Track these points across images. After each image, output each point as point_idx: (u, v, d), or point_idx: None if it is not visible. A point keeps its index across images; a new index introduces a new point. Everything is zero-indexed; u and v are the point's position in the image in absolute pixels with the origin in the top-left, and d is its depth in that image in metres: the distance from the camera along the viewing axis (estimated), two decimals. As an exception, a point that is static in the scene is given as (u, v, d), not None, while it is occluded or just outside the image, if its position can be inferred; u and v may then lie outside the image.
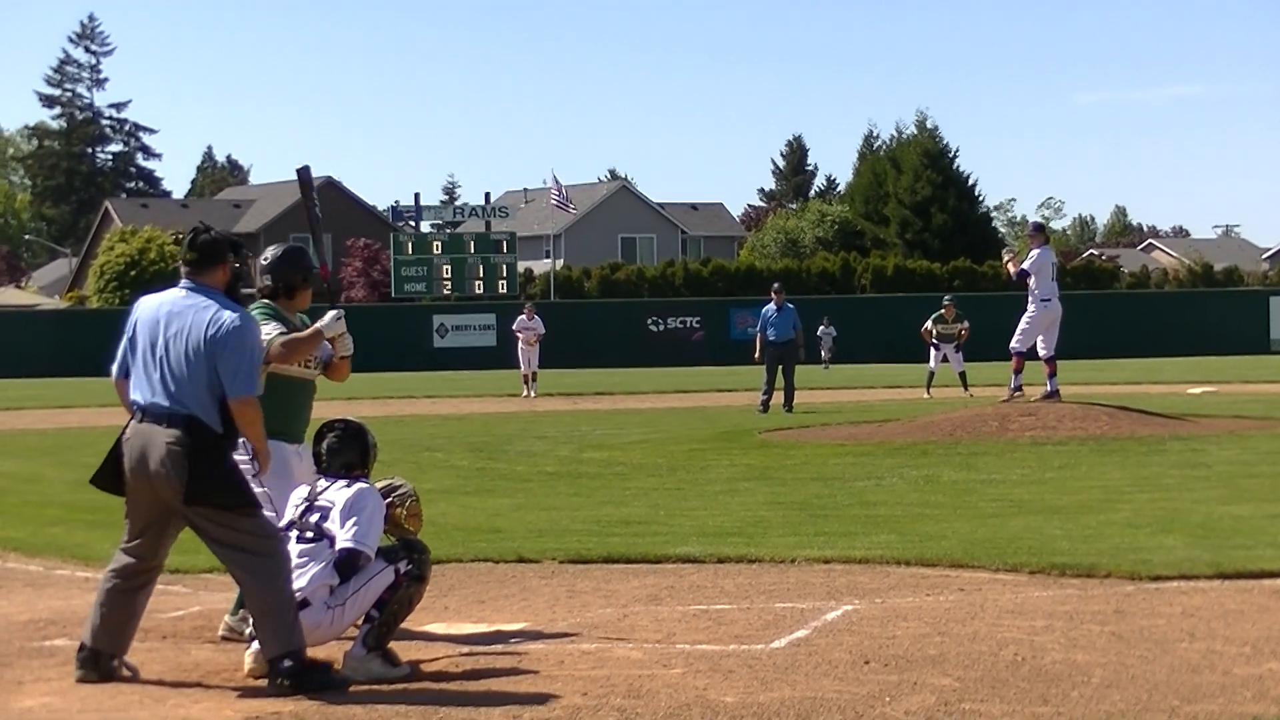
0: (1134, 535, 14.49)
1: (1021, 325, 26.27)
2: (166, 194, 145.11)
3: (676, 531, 15.49)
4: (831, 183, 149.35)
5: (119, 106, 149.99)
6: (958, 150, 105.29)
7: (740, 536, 15.04)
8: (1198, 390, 40.58)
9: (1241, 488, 18.01)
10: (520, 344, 45.73)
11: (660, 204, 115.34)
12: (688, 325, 74.92)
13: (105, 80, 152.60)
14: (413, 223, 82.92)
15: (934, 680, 9.11)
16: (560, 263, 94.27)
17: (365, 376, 57.67)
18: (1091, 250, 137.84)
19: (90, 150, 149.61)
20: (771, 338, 35.05)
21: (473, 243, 78.33)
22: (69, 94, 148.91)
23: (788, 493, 18.76)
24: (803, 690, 8.94)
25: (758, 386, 35.55)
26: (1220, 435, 24.54)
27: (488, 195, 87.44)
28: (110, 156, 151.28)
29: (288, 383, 10.30)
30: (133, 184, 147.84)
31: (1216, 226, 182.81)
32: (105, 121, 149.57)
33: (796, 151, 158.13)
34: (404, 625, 9.96)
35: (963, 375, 41.33)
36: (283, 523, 9.85)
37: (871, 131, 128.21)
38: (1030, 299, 26.15)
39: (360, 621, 9.67)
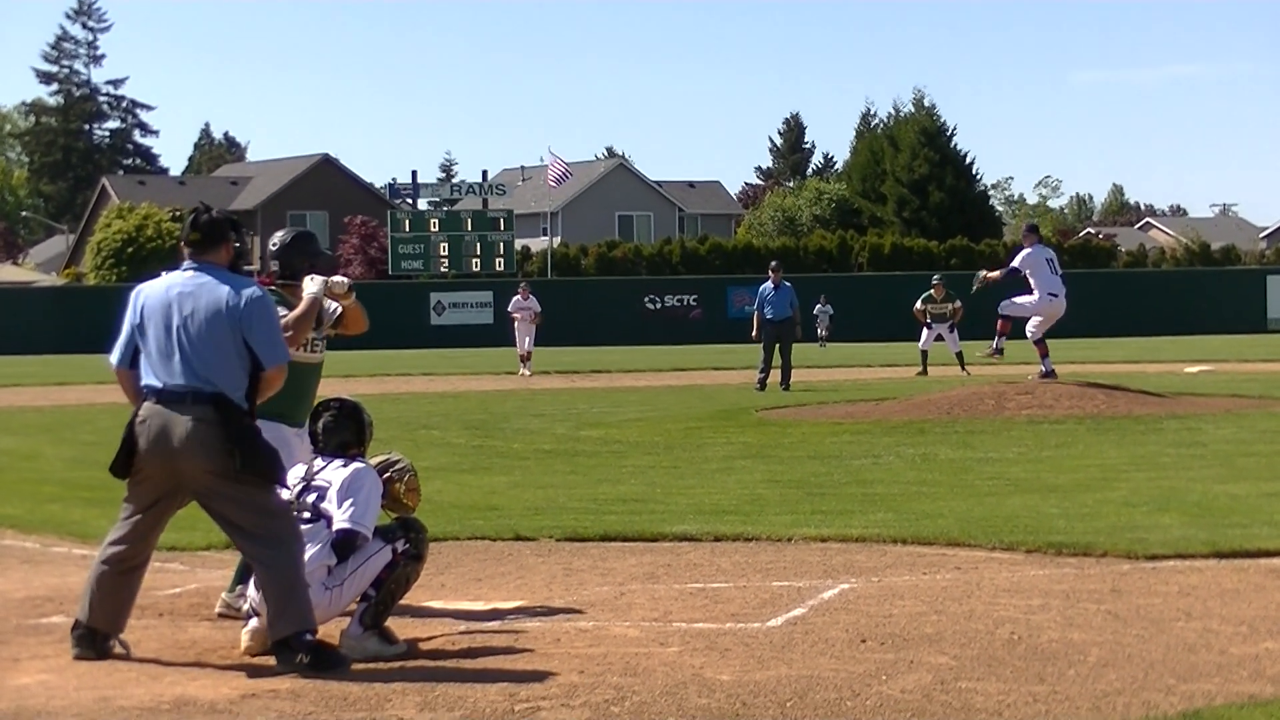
0: (1131, 514, 14.50)
1: (1020, 298, 26.39)
2: (164, 171, 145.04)
3: (673, 510, 15.49)
4: (829, 161, 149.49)
5: (116, 83, 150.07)
6: (955, 128, 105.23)
7: (737, 515, 15.04)
8: (1195, 369, 40.61)
9: (1238, 466, 18.03)
10: (516, 323, 45.67)
11: (657, 182, 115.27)
12: (685, 303, 74.94)
13: (102, 57, 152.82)
14: (410, 200, 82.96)
15: (930, 659, 9.11)
16: (557, 240, 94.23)
17: (362, 354, 57.62)
18: (1089, 229, 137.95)
19: (87, 127, 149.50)
20: (769, 316, 35.04)
21: (470, 220, 78.34)
22: (66, 70, 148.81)
23: (785, 471, 18.77)
24: (799, 668, 8.94)
25: (755, 365, 35.56)
26: (1217, 414, 24.57)
27: (485, 173, 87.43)
28: (107, 133, 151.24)
29: (293, 367, 10.32)
30: (130, 161, 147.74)
31: (1214, 205, 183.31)
32: (102, 98, 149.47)
33: (794, 129, 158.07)
34: (401, 602, 9.96)
35: (960, 355, 41.30)
36: None
37: (869, 109, 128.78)
38: (1035, 289, 26.23)
39: (357, 600, 9.67)
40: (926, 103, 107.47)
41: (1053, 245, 27.61)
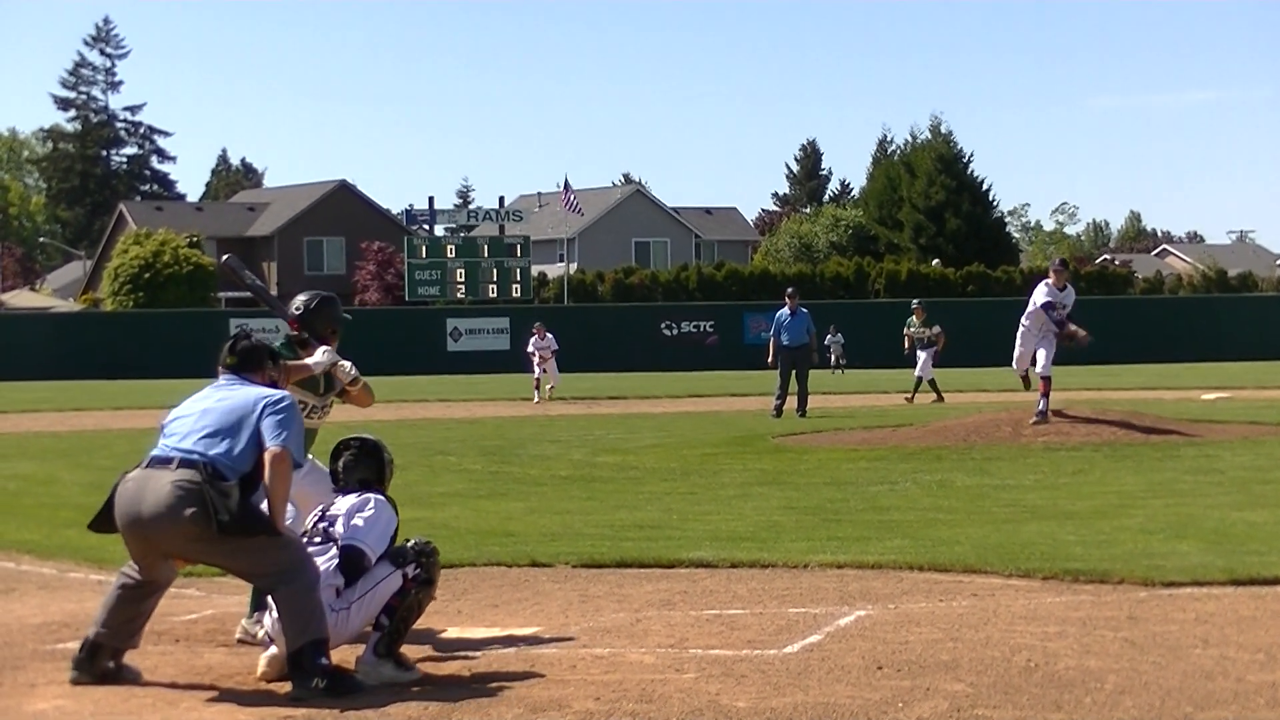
0: (1147, 541, 14.47)
1: (1046, 350, 25.78)
2: (181, 197, 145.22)
3: (690, 536, 15.48)
4: (845, 187, 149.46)
5: (134, 109, 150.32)
6: (972, 155, 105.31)
7: (753, 541, 15.02)
8: (1212, 396, 40.54)
9: (1256, 493, 18.00)
10: (536, 358, 45.42)
11: (674, 208, 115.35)
12: (701, 329, 74.90)
13: (120, 83, 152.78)
14: (426, 226, 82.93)
15: (947, 686, 9.10)
16: (574, 266, 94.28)
17: (378, 380, 57.47)
18: (1105, 256, 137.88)
19: (105, 153, 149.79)
20: (785, 342, 35.04)
21: (486, 246, 78.35)
22: (84, 97, 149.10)
23: (801, 497, 18.75)
24: (815, 695, 8.94)
25: (771, 391, 35.54)
26: (1234, 441, 24.52)
27: (502, 199, 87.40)
28: (125, 159, 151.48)
29: None
30: (147, 187, 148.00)
31: (1231, 232, 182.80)
32: (120, 124, 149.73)
33: (810, 156, 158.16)
34: (416, 628, 9.97)
35: (933, 382, 41.32)
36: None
37: (885, 136, 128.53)
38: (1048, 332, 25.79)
39: (370, 628, 9.67)
40: (943, 129, 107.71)
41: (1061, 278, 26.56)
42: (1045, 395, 25.59)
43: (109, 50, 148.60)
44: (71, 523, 16.97)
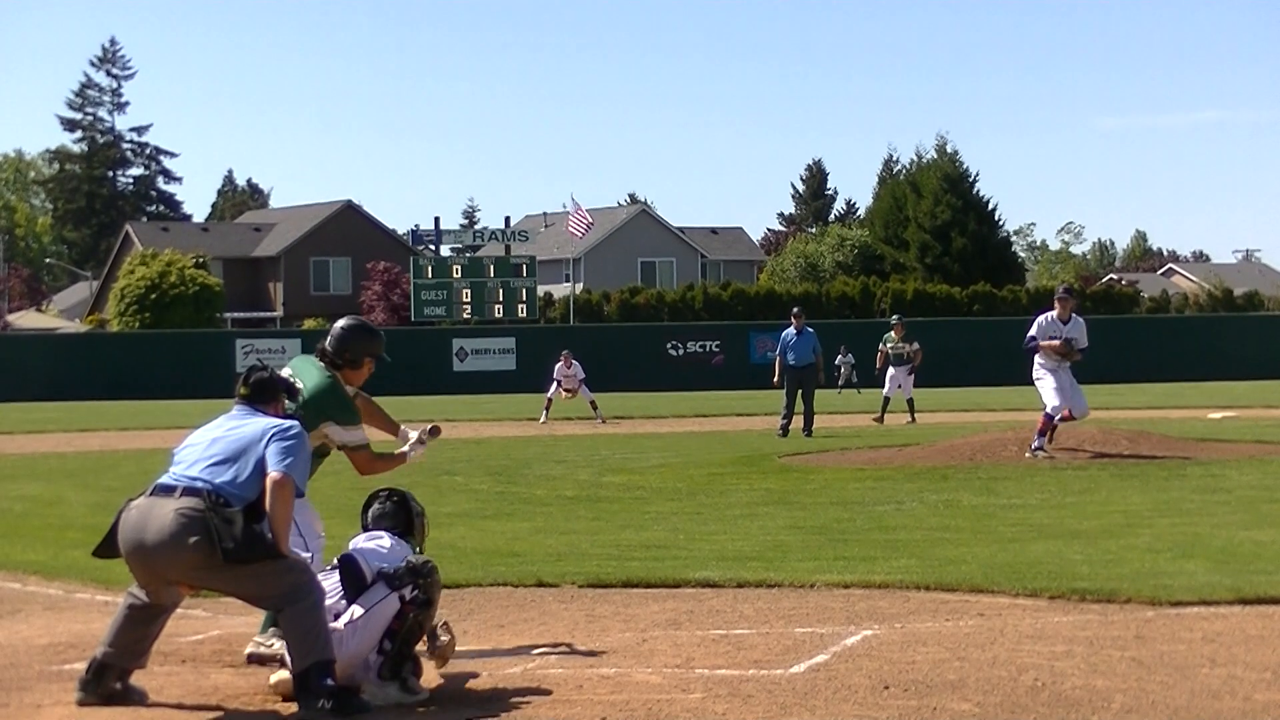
0: (1155, 560, 14.46)
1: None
2: (187, 217, 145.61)
3: (696, 556, 15.47)
4: (851, 207, 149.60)
5: (140, 130, 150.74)
6: (978, 174, 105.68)
7: (760, 561, 15.01)
8: (1218, 415, 40.51)
9: (1263, 513, 17.98)
10: (556, 388, 45.16)
11: (680, 228, 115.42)
12: (707, 349, 74.87)
13: (126, 104, 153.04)
14: (432, 246, 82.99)
15: (953, 706, 9.09)
16: (580, 286, 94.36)
17: (385, 400, 57.51)
18: (1111, 275, 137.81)
19: (111, 174, 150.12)
20: (791, 361, 35.05)
21: (492, 266, 78.36)
22: (90, 118, 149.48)
23: (807, 517, 18.74)
24: (822, 715, 8.93)
25: (777, 410, 35.53)
26: (1241, 460, 24.50)
27: (507, 219, 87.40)
28: (131, 180, 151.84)
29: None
30: (153, 207, 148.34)
31: (1236, 251, 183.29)
32: (126, 145, 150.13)
33: (816, 176, 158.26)
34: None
35: (910, 402, 41.21)
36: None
37: (891, 156, 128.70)
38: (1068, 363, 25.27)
39: (374, 653, 9.66)
40: (949, 149, 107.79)
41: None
42: (1043, 433, 24.96)
43: (115, 71, 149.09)
44: (78, 543, 16.96)
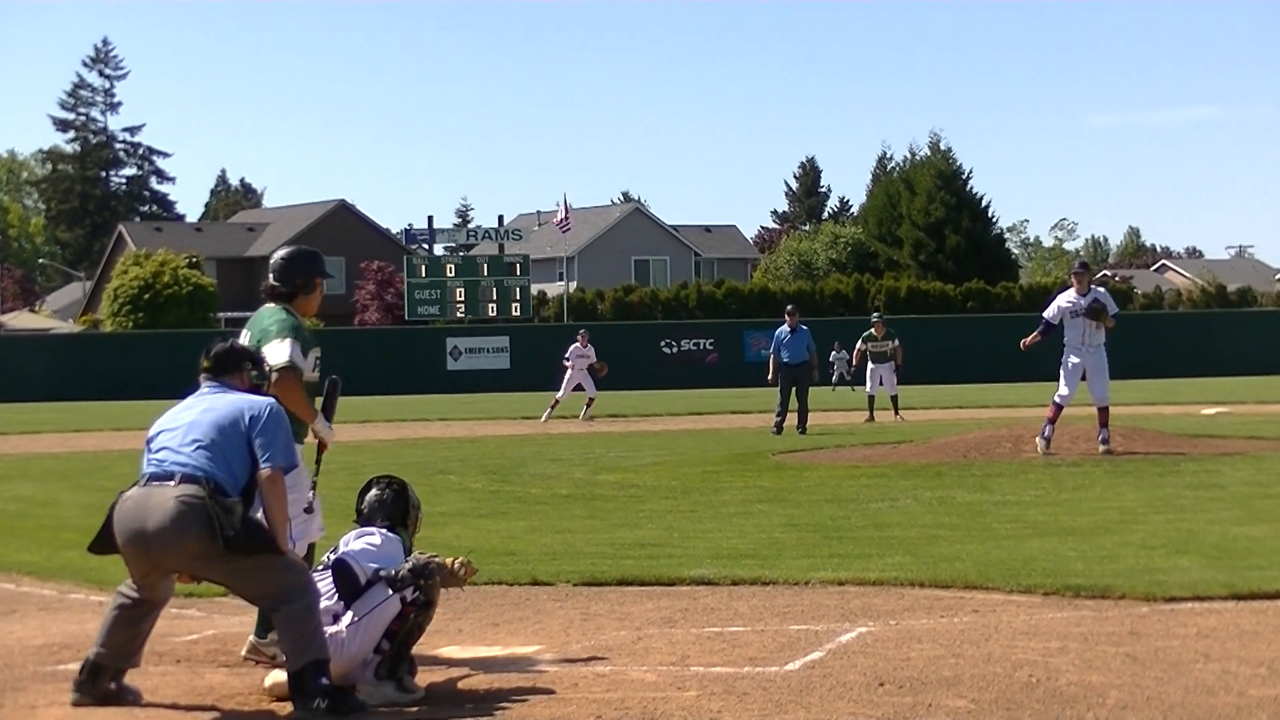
0: (1149, 556, 14.47)
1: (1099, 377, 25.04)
2: (180, 217, 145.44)
3: (691, 554, 15.47)
4: (845, 204, 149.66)
5: (133, 130, 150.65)
6: (971, 172, 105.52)
7: (755, 558, 15.02)
8: (1212, 411, 40.53)
9: (1257, 509, 17.99)
10: (570, 371, 45.10)
11: (673, 226, 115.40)
12: (701, 347, 74.86)
13: (119, 104, 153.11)
14: (426, 246, 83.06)
15: (948, 702, 9.09)
16: (573, 285, 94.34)
17: (379, 399, 57.62)
18: (1105, 271, 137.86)
19: (104, 174, 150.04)
20: (785, 359, 35.06)
21: (486, 265, 78.40)
22: (83, 118, 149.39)
23: (802, 514, 18.75)
24: (817, 713, 8.93)
25: (771, 408, 35.55)
26: (1235, 456, 24.52)
27: (501, 218, 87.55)
28: (124, 180, 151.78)
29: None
30: (146, 208, 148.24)
31: (1230, 247, 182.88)
32: (119, 145, 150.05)
33: (810, 173, 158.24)
34: (417, 648, 9.95)
35: (894, 399, 41.13)
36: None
37: (885, 153, 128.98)
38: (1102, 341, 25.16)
39: (371, 653, 9.67)
40: (942, 146, 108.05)
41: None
42: (1105, 425, 24.94)
43: (108, 71, 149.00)
44: (72, 544, 16.95)
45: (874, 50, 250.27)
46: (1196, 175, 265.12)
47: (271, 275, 11.20)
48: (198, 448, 9.37)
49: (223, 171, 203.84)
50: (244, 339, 10.79)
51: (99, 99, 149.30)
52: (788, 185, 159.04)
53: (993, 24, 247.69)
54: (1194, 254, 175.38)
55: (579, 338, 45.61)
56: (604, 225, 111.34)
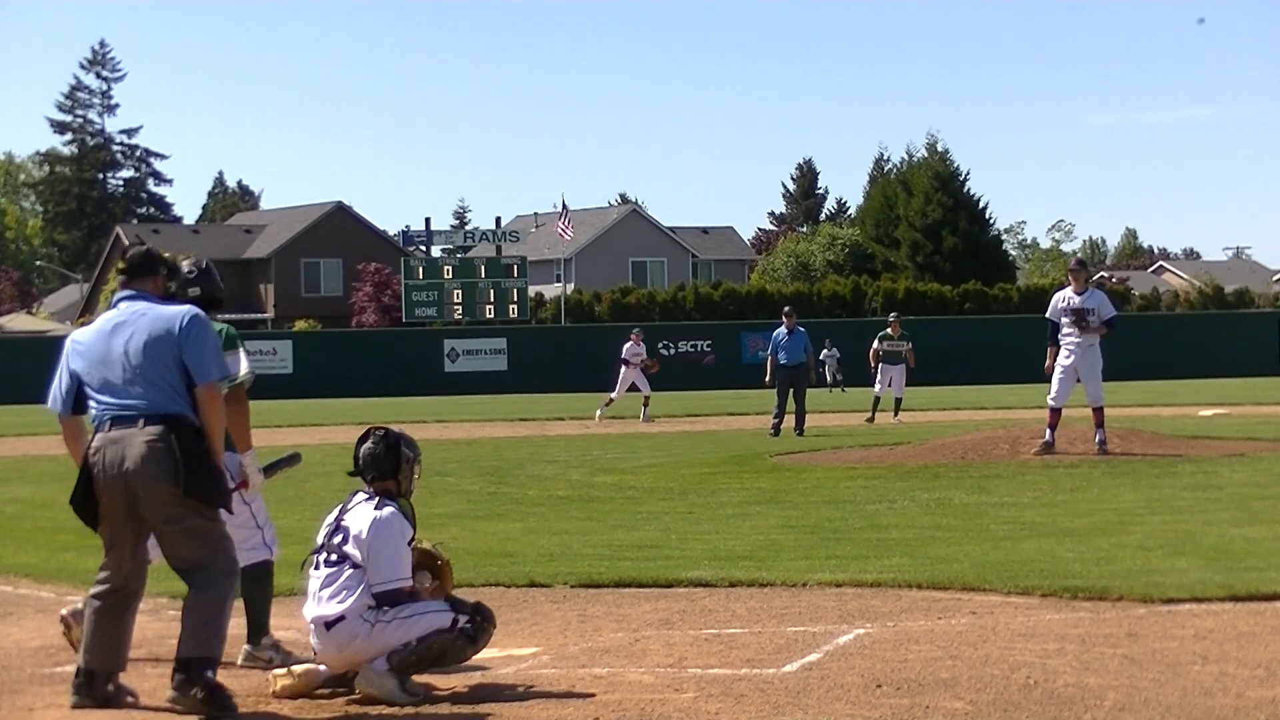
0: (1146, 558, 14.47)
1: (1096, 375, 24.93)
2: (178, 220, 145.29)
3: (688, 555, 15.47)
4: (842, 206, 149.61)
5: (130, 132, 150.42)
6: (968, 173, 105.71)
7: (752, 560, 15.02)
8: (1209, 412, 40.56)
9: (1254, 510, 18.00)
10: (625, 370, 45.24)
11: (671, 228, 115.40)
12: (699, 349, 74.86)
13: (116, 106, 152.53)
14: (423, 247, 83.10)
15: (946, 704, 9.09)
16: (571, 287, 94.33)
17: (376, 401, 57.68)
18: (1102, 273, 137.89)
19: (101, 176, 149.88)
20: (783, 361, 35.09)
21: (483, 267, 78.44)
22: (80, 120, 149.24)
23: (799, 516, 18.75)
24: (814, 714, 8.93)
25: (769, 410, 35.56)
26: (1232, 457, 24.53)
27: (498, 219, 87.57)
28: (121, 182, 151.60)
29: None
30: (144, 210, 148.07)
31: (1227, 248, 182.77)
32: (116, 147, 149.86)
33: (807, 175, 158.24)
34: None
35: (898, 401, 41.07)
36: (312, 548, 9.96)
37: (882, 154, 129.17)
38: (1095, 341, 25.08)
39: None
40: (940, 147, 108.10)
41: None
42: (1100, 426, 24.88)
43: (105, 73, 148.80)
44: (69, 546, 16.96)
45: (871, 51, 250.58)
46: (1194, 176, 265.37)
47: (201, 286, 11.05)
48: (145, 382, 9.31)
49: (220, 173, 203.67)
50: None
51: (96, 101, 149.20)
52: (785, 187, 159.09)
53: (990, 24, 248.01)
54: (1191, 255, 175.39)
55: (632, 336, 45.64)
56: (601, 227, 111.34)
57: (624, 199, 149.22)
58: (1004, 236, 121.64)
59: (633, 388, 44.64)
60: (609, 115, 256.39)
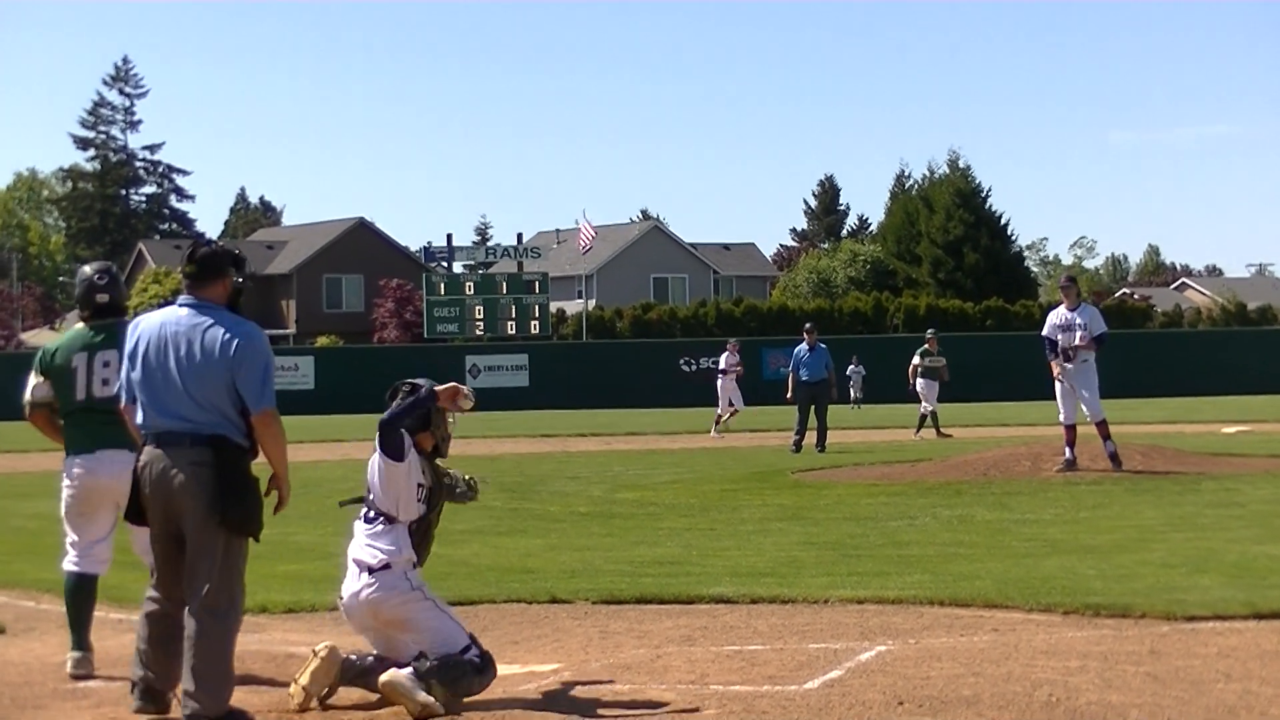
0: (1169, 575, 14.44)
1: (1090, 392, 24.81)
2: (200, 235, 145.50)
3: (709, 572, 15.46)
4: (863, 222, 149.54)
5: (153, 148, 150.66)
6: (990, 189, 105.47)
7: (773, 577, 15.00)
8: (1232, 429, 40.44)
9: (1276, 527, 17.95)
10: (723, 380, 45.36)
11: (692, 244, 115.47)
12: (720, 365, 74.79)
13: (139, 122, 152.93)
14: (445, 263, 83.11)
15: (968, 721, 9.07)
16: (592, 303, 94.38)
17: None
18: (1124, 290, 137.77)
19: (124, 192, 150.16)
20: (804, 377, 35.09)
21: (505, 283, 78.46)
22: (103, 136, 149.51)
23: (821, 533, 18.73)
24: (836, 731, 8.92)
25: (790, 426, 35.54)
26: (1255, 474, 24.47)
27: (520, 236, 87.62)
28: (144, 198, 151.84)
29: None
30: (166, 226, 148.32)
31: (1250, 265, 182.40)
32: (139, 163, 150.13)
33: (828, 191, 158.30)
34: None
35: (934, 415, 41.03)
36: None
37: (903, 171, 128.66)
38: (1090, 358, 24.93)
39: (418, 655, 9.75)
40: (961, 164, 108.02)
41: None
42: (1107, 437, 24.81)
43: (128, 90, 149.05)
44: (92, 561, 16.95)
45: (892, 69, 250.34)
46: (1216, 193, 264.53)
47: (111, 293, 11.04)
48: (193, 404, 9.24)
49: (242, 189, 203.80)
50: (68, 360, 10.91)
51: (119, 117, 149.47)
52: (806, 203, 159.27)
53: (1012, 42, 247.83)
54: (1214, 272, 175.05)
55: (729, 347, 46.03)
56: (623, 243, 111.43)
57: (645, 215, 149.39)
58: (1026, 253, 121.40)
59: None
60: (631, 132, 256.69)
